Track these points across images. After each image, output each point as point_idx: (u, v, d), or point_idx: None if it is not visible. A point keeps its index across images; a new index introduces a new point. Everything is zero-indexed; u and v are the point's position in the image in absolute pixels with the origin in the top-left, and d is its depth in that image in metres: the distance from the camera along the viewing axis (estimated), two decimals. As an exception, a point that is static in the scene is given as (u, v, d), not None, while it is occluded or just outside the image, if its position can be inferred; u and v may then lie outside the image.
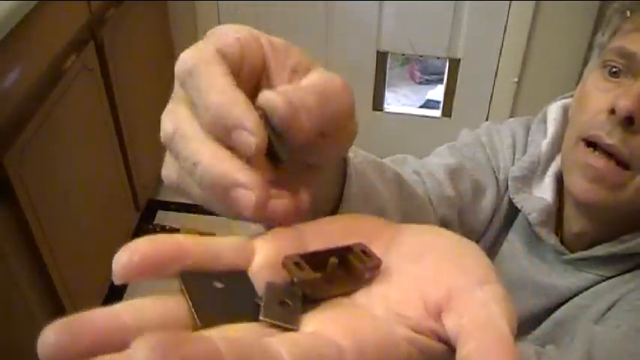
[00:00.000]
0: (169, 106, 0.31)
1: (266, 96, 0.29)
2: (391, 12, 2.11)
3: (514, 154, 0.75)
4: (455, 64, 2.20)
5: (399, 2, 2.08)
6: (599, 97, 0.62)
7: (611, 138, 0.59)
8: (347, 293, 0.29)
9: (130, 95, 1.76)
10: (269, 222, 0.31)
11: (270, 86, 0.32)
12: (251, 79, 0.32)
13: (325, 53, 2.20)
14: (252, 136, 0.27)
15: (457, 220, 0.72)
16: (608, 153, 0.60)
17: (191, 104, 0.30)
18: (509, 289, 0.76)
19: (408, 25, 2.12)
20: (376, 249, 0.30)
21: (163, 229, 2.03)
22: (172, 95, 0.32)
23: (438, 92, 2.58)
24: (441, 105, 2.34)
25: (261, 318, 0.26)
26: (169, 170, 0.32)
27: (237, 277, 0.28)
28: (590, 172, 0.61)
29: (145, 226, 2.03)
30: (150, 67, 1.97)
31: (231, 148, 0.28)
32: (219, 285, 0.27)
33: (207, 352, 0.20)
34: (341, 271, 0.29)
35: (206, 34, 0.32)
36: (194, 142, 0.29)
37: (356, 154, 0.49)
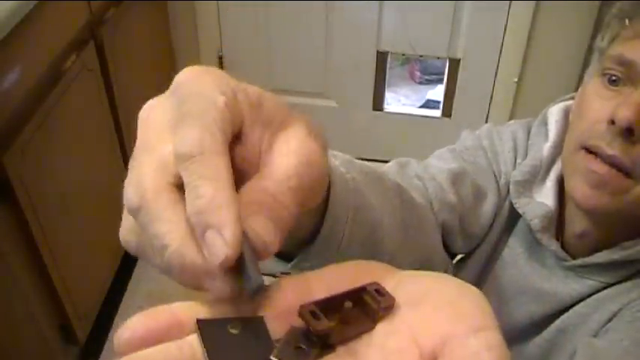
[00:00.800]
0: (134, 171, 0.29)
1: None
2: (391, 12, 2.11)
3: (515, 158, 0.75)
4: (455, 64, 2.20)
5: (399, 2, 2.08)
6: (599, 105, 0.61)
7: (612, 149, 0.59)
8: (362, 333, 0.29)
9: (130, 95, 1.76)
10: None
11: (241, 142, 0.30)
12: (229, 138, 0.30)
13: (325, 53, 2.20)
14: (225, 247, 0.26)
15: (458, 226, 0.72)
16: (610, 163, 0.59)
17: (164, 170, 0.28)
18: (510, 294, 0.75)
19: (408, 25, 2.12)
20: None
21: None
22: (137, 144, 0.29)
23: (438, 92, 2.58)
24: (441, 105, 2.34)
25: (272, 357, 0.26)
26: (129, 235, 0.30)
27: (254, 323, 0.29)
28: (592, 177, 0.60)
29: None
30: (150, 67, 1.97)
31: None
32: (234, 331, 0.28)
33: None
34: (356, 312, 0.30)
35: (184, 84, 0.30)
36: (162, 223, 0.27)
37: (350, 168, 0.48)
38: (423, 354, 0.27)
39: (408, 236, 0.57)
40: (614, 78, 0.61)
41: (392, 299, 0.29)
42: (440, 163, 0.73)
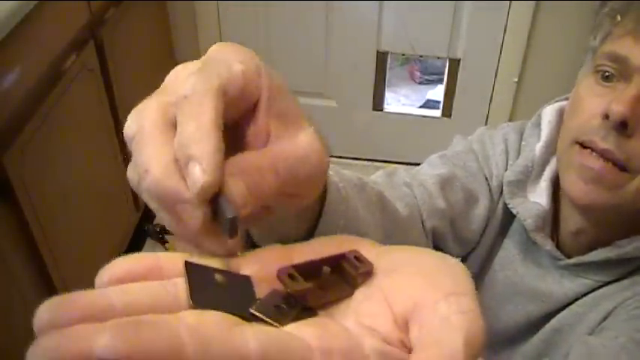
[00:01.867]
0: (140, 104, 0.31)
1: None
2: (391, 12, 2.11)
3: (507, 160, 0.75)
4: (455, 64, 2.20)
5: (399, 2, 2.08)
6: (592, 101, 0.62)
7: (606, 143, 0.59)
8: (341, 298, 0.30)
9: (130, 95, 1.76)
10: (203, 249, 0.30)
11: (253, 121, 0.32)
12: (240, 109, 0.32)
13: (325, 53, 2.20)
14: (204, 175, 0.27)
15: (450, 231, 0.72)
16: (604, 157, 0.60)
17: (166, 109, 0.30)
18: (507, 295, 0.76)
19: (408, 25, 2.12)
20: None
21: (163, 229, 2.03)
22: (154, 94, 0.32)
23: (438, 92, 2.58)
24: (441, 105, 2.33)
25: (251, 310, 0.27)
26: (131, 171, 0.31)
27: (240, 278, 0.29)
28: (587, 173, 0.61)
29: (145, 226, 2.03)
30: (150, 67, 1.97)
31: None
32: (220, 280, 0.28)
33: (168, 338, 0.22)
34: (335, 278, 0.30)
35: (211, 52, 0.32)
36: (149, 150, 0.29)
37: (340, 178, 0.49)
38: (396, 318, 0.28)
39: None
40: (607, 74, 0.61)
41: (370, 266, 0.30)
42: (429, 170, 0.73)
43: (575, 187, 0.63)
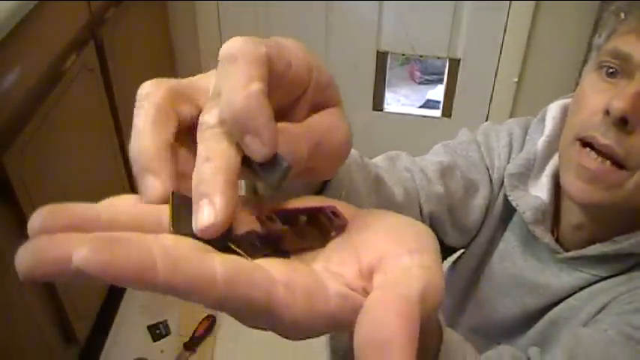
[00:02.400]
0: (156, 80, 0.33)
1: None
2: (391, 12, 2.11)
3: (510, 153, 0.76)
4: (455, 64, 2.20)
5: (399, 2, 2.08)
6: (595, 97, 0.63)
7: (606, 138, 0.60)
8: (314, 247, 0.32)
9: (130, 95, 1.74)
10: None
11: (294, 112, 0.33)
12: (285, 100, 0.32)
13: (325, 53, 2.20)
14: (264, 148, 0.28)
15: (449, 218, 0.73)
16: (604, 153, 0.60)
17: (182, 85, 0.32)
18: (505, 287, 0.77)
19: (408, 25, 2.12)
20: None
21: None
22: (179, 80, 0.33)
23: (438, 92, 2.58)
24: (441, 105, 2.34)
25: (228, 244, 0.28)
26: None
27: None
28: (584, 173, 0.61)
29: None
30: (150, 67, 1.97)
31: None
32: None
33: (140, 255, 0.23)
34: (310, 228, 0.32)
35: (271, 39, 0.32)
36: (143, 111, 0.30)
37: None
38: (362, 269, 0.29)
39: None
40: (610, 70, 0.62)
41: (345, 220, 0.32)
42: (431, 157, 0.74)
43: (573, 186, 0.63)
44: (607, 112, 0.59)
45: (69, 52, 1.45)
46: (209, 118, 0.29)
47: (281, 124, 0.30)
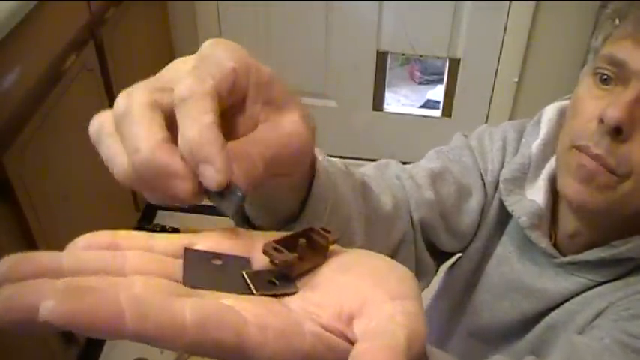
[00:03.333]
0: (129, 88, 0.33)
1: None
2: (391, 12, 2.11)
3: (503, 157, 0.75)
4: (455, 64, 2.20)
5: (399, 2, 2.08)
6: (590, 104, 0.62)
7: (598, 148, 0.59)
8: (317, 266, 0.33)
9: (130, 95, 1.75)
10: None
11: (242, 110, 0.35)
12: (231, 101, 0.34)
13: (325, 53, 2.20)
14: (218, 175, 0.30)
15: (442, 224, 0.73)
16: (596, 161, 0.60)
17: (154, 93, 0.32)
18: (503, 291, 0.77)
19: (408, 25, 2.12)
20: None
21: (163, 229, 2.03)
22: (147, 80, 0.34)
23: (438, 92, 2.58)
24: (441, 105, 2.34)
25: (251, 290, 0.30)
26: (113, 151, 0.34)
27: (239, 260, 0.31)
28: (581, 172, 0.61)
29: (145, 226, 2.03)
30: (150, 67, 1.96)
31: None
32: (218, 262, 0.31)
33: (108, 305, 0.23)
34: (307, 250, 0.33)
35: (204, 50, 0.35)
36: (139, 127, 0.31)
37: (329, 163, 0.51)
38: (342, 312, 0.30)
39: (372, 233, 0.60)
40: (605, 77, 0.61)
41: (337, 234, 0.33)
42: (423, 163, 0.74)
43: (569, 187, 0.63)
44: (601, 121, 0.59)
45: (69, 52, 1.45)
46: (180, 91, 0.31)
47: (235, 146, 0.32)
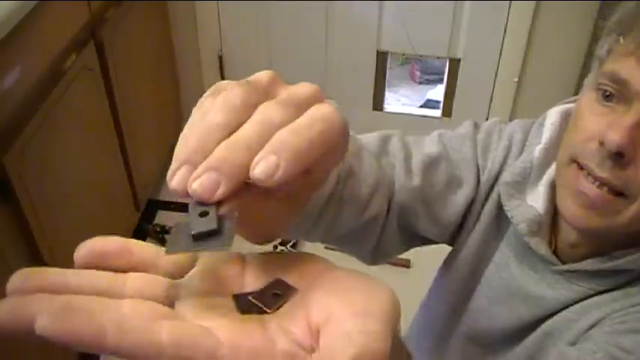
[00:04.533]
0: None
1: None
2: (391, 12, 2.11)
3: (506, 157, 0.74)
4: (455, 64, 2.20)
5: (399, 2, 2.08)
6: (591, 120, 0.61)
7: (602, 171, 0.58)
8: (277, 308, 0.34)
9: (130, 95, 1.76)
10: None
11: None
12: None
13: (325, 53, 2.20)
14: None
15: (423, 210, 0.72)
16: (601, 183, 0.59)
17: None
18: (502, 297, 0.77)
19: (408, 25, 2.12)
20: (301, 281, 0.34)
21: (163, 229, 2.03)
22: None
23: (438, 92, 2.58)
24: (441, 105, 2.34)
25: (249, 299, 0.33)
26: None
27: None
28: (581, 199, 0.60)
29: (145, 226, 2.03)
30: (150, 67, 1.97)
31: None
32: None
33: (93, 326, 0.26)
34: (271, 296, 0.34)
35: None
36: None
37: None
38: (311, 326, 0.31)
39: (340, 211, 0.64)
40: (607, 93, 0.60)
41: (295, 290, 0.34)
42: (425, 145, 0.75)
43: (570, 212, 0.62)
44: (602, 143, 0.58)
45: (69, 52, 1.45)
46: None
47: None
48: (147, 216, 2.07)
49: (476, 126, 0.77)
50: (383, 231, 0.71)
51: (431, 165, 0.71)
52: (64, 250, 1.44)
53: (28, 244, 1.30)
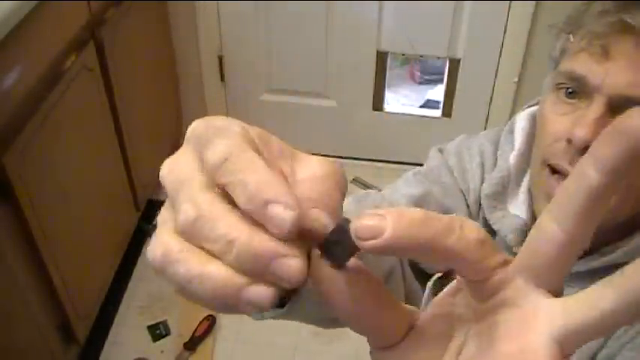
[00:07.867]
0: (179, 196, 0.29)
1: (319, 219, 0.28)
2: (391, 12, 2.11)
3: (483, 174, 0.74)
4: (455, 64, 2.20)
5: (399, 2, 2.08)
6: (556, 121, 0.62)
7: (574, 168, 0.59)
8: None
9: (130, 95, 1.76)
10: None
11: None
12: None
13: (325, 53, 2.20)
14: (288, 210, 0.26)
15: None
16: None
17: (202, 184, 0.28)
18: None
19: (408, 25, 2.12)
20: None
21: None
22: (170, 188, 0.30)
23: (438, 92, 2.58)
24: (441, 105, 2.34)
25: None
26: (161, 250, 0.29)
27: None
28: None
29: (145, 226, 2.03)
30: (150, 67, 1.97)
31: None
32: None
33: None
34: None
35: (196, 132, 0.30)
36: (224, 222, 0.27)
37: None
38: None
39: None
40: (569, 91, 0.61)
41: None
42: (403, 188, 0.73)
43: None
44: (570, 141, 0.59)
45: (69, 52, 1.45)
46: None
47: (302, 187, 0.30)
48: (147, 216, 2.07)
49: (441, 151, 0.77)
50: (404, 284, 0.71)
51: (420, 204, 0.71)
52: (64, 250, 1.44)
53: (27, 244, 1.30)
